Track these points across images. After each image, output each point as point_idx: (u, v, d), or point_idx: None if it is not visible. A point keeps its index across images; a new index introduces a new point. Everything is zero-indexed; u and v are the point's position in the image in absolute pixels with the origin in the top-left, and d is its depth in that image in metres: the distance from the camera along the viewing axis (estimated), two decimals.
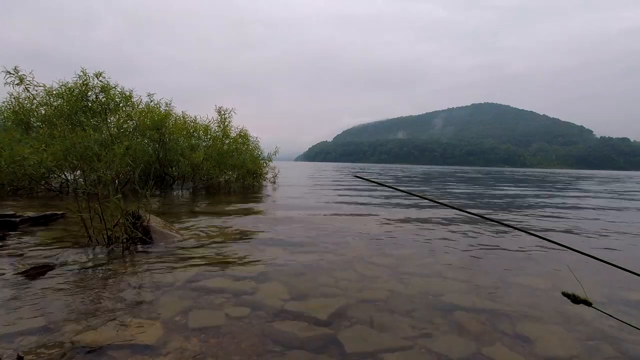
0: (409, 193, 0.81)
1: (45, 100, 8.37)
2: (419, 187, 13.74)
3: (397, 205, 7.36)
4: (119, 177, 7.71)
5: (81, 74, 7.98)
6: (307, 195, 9.05)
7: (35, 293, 2.12)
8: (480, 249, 3.67)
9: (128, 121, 8.94)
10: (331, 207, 6.78)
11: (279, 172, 13.34)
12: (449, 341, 1.73)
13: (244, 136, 11.34)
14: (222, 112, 10.95)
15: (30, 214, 4.27)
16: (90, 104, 8.22)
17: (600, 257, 0.69)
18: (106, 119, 8.39)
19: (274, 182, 12.67)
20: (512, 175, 32.68)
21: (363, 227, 4.66)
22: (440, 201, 0.76)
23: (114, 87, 8.50)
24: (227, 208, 6.24)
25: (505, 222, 0.78)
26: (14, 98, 8.56)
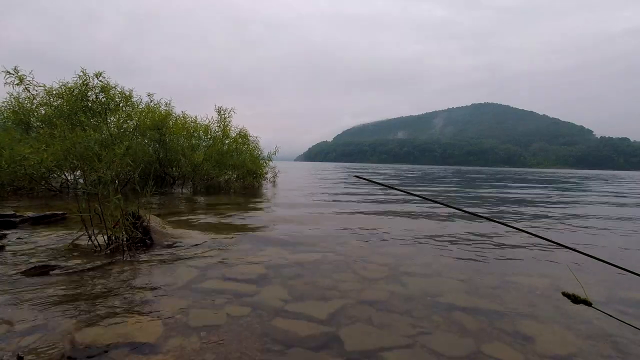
0: (409, 193, 0.81)
1: (45, 100, 8.36)
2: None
3: (397, 205, 7.36)
4: (119, 177, 7.70)
5: (81, 74, 7.98)
6: (307, 195, 9.05)
7: (35, 293, 2.12)
8: (480, 248, 3.67)
9: (128, 121, 8.93)
10: (330, 206, 6.78)
11: (279, 172, 13.34)
12: (448, 340, 1.73)
13: (243, 136, 11.34)
14: (222, 112, 10.95)
15: (30, 214, 4.27)
16: (90, 104, 8.21)
17: (600, 257, 0.69)
18: (106, 119, 8.38)
19: (274, 182, 12.66)
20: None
21: (362, 227, 4.66)
22: (439, 201, 0.76)
23: (114, 87, 8.50)
24: (227, 208, 6.24)
25: (504, 222, 0.78)
26: (13, 98, 8.56)
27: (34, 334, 1.65)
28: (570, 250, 0.73)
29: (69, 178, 8.02)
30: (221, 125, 10.91)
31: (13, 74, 7.57)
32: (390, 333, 1.78)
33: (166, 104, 10.09)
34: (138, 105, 9.24)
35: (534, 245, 3.81)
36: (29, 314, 1.84)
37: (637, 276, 0.67)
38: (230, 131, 11.06)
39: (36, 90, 8.19)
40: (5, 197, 6.61)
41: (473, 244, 3.88)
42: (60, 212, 4.60)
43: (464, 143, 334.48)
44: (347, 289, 2.37)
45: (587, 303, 0.71)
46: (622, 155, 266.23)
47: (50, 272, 2.49)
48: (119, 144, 7.15)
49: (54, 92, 8.24)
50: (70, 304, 1.98)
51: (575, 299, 0.72)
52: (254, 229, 4.35)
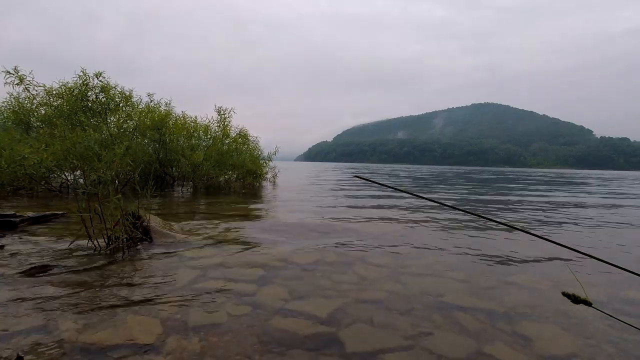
0: (409, 193, 0.81)
1: (45, 100, 8.37)
2: None
3: (396, 205, 7.36)
4: (119, 177, 7.71)
5: (81, 74, 7.98)
6: (307, 195, 9.04)
7: (35, 293, 2.12)
8: (480, 248, 3.67)
9: (128, 121, 8.94)
10: (330, 207, 6.78)
11: (279, 172, 13.34)
12: (449, 340, 1.73)
13: (243, 136, 11.34)
14: (222, 112, 10.95)
15: (30, 213, 4.27)
16: (90, 104, 8.22)
17: (600, 257, 0.69)
18: (106, 119, 8.39)
19: (274, 182, 12.66)
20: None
21: (362, 227, 4.66)
22: (438, 201, 0.76)
23: (114, 87, 8.51)
24: (227, 208, 6.24)
25: (504, 222, 0.78)
26: (13, 98, 8.57)
27: (33, 334, 1.65)
28: (571, 250, 0.73)
29: (69, 178, 8.03)
30: (221, 125, 10.92)
31: (13, 74, 7.57)
32: (390, 333, 1.78)
33: (166, 104, 10.10)
34: (138, 105, 9.25)
35: (534, 246, 3.81)
36: (28, 314, 1.84)
37: (637, 276, 0.67)
38: (230, 131, 11.07)
39: (36, 90, 8.21)
40: (5, 197, 6.61)
41: (473, 244, 3.88)
42: (60, 212, 4.60)
43: (464, 143, 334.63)
44: (347, 289, 2.37)
45: (587, 303, 0.71)
46: (622, 155, 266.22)
47: (50, 272, 2.49)
48: (119, 144, 7.15)
49: (54, 92, 8.25)
50: (70, 304, 1.98)
51: (575, 299, 0.72)
52: (253, 229, 4.35)
